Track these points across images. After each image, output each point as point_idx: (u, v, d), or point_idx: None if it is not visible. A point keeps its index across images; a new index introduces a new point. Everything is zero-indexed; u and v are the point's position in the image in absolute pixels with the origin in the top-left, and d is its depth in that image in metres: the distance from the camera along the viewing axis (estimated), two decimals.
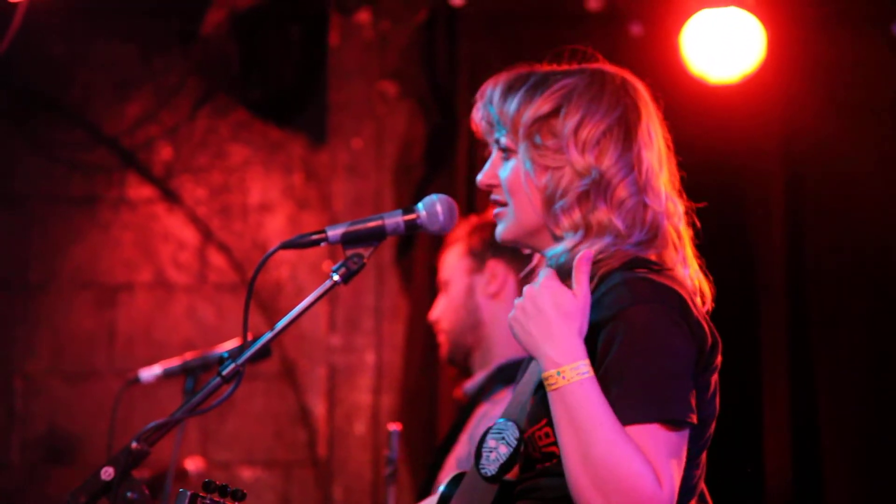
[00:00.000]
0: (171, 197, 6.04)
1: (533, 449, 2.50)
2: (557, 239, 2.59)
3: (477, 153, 5.65)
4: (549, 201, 2.57)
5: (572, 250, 2.54)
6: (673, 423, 2.38)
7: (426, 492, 3.81)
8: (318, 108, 5.90)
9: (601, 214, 2.55)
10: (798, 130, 5.34)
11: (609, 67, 2.66)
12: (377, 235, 2.57)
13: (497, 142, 2.65)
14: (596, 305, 2.46)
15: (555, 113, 2.58)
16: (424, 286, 5.49)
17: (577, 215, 2.56)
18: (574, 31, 5.52)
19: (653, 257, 2.57)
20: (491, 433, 2.53)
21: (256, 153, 6.02)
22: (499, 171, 2.64)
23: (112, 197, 6.06)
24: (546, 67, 2.66)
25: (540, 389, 2.47)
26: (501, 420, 2.53)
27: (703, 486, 2.57)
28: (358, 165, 5.84)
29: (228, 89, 5.94)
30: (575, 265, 2.47)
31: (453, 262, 4.06)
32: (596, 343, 2.44)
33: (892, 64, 5.23)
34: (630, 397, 2.38)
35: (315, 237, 2.57)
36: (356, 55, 5.85)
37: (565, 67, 2.66)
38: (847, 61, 5.25)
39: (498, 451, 2.51)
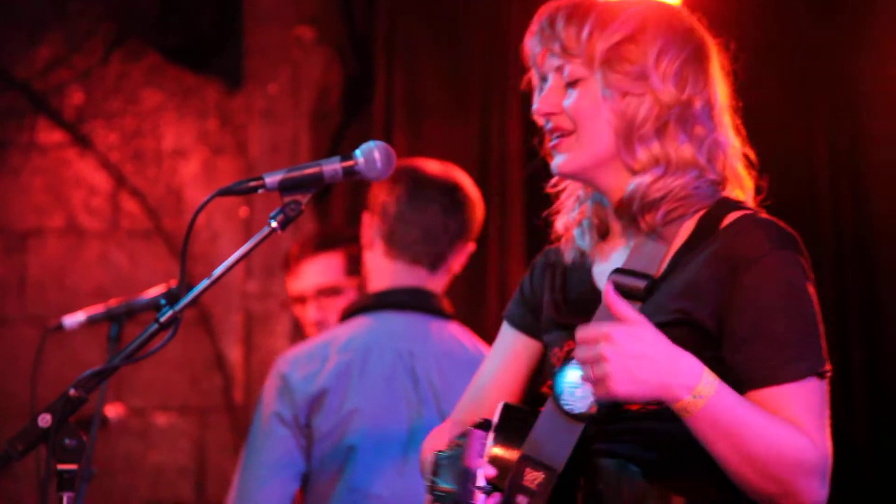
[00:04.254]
0: (82, 142, 5.96)
1: None
2: (631, 172, 2.49)
3: (395, 102, 5.65)
4: (626, 129, 2.47)
5: (653, 184, 2.46)
6: (822, 375, 2.36)
7: None
8: (234, 54, 5.85)
9: (684, 149, 2.47)
10: None
11: (669, 3, 2.58)
12: (315, 182, 2.55)
13: (559, 70, 2.54)
14: (722, 247, 2.39)
15: (632, 39, 2.48)
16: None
17: (656, 147, 2.47)
18: None
19: (735, 199, 2.51)
20: (571, 366, 2.40)
21: (170, 98, 5.96)
22: (563, 100, 2.53)
23: (22, 142, 5.97)
24: None
25: None
26: None
27: None
28: (274, 111, 5.81)
29: (142, 33, 5.87)
30: (607, 301, 2.33)
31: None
32: (722, 281, 2.36)
33: None
34: (781, 354, 2.33)
35: (252, 184, 2.55)
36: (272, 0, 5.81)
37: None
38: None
39: (585, 389, 2.37)
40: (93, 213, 5.95)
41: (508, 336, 2.74)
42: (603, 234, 2.61)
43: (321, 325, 4.75)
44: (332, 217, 5.66)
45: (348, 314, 3.94)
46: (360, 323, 3.88)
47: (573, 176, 2.56)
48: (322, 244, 4.70)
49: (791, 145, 5.11)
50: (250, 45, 5.81)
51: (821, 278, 2.47)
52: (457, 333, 3.96)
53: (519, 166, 5.54)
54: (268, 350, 5.74)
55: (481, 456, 2.41)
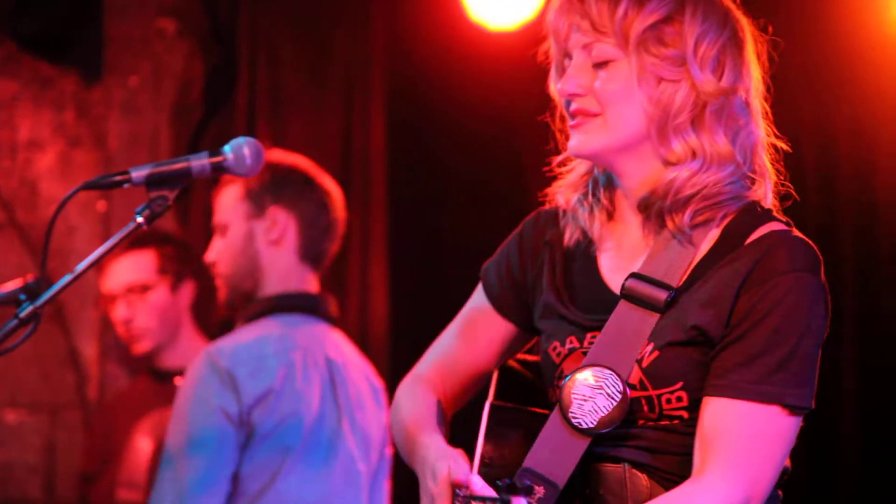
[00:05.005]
0: None
1: (650, 409, 2.34)
2: (663, 162, 2.39)
3: (258, 95, 5.61)
4: (661, 118, 2.36)
5: (690, 179, 2.35)
6: (792, 409, 2.27)
7: None
8: (93, 44, 5.75)
9: (721, 144, 2.37)
10: None
11: None
12: (182, 178, 2.53)
13: (586, 47, 2.40)
14: (745, 265, 2.31)
15: (668, 21, 2.37)
16: (200, 227, 5.43)
17: (692, 138, 2.36)
18: None
19: (761, 198, 2.42)
20: (583, 381, 2.33)
21: (26, 89, 5.83)
22: (591, 81, 2.40)
23: None
24: None
25: (668, 346, 2.32)
26: (599, 367, 2.32)
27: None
28: (134, 103, 5.72)
29: None
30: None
31: (230, 205, 3.99)
32: (738, 295, 2.29)
33: None
34: (750, 370, 2.26)
35: (118, 178, 2.52)
36: None
37: None
38: None
39: (595, 403, 2.31)
40: None
41: (483, 311, 2.63)
42: (609, 217, 2.51)
43: (128, 324, 4.69)
44: (192, 217, 5.61)
45: (259, 313, 3.88)
46: (282, 324, 3.84)
47: (592, 157, 2.44)
48: (133, 242, 4.64)
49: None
50: (110, 35, 5.71)
51: None
52: (344, 340, 4.00)
53: (382, 161, 5.55)
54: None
55: None
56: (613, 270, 2.46)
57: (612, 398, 2.31)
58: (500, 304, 2.61)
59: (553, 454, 2.33)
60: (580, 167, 2.55)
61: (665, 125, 2.37)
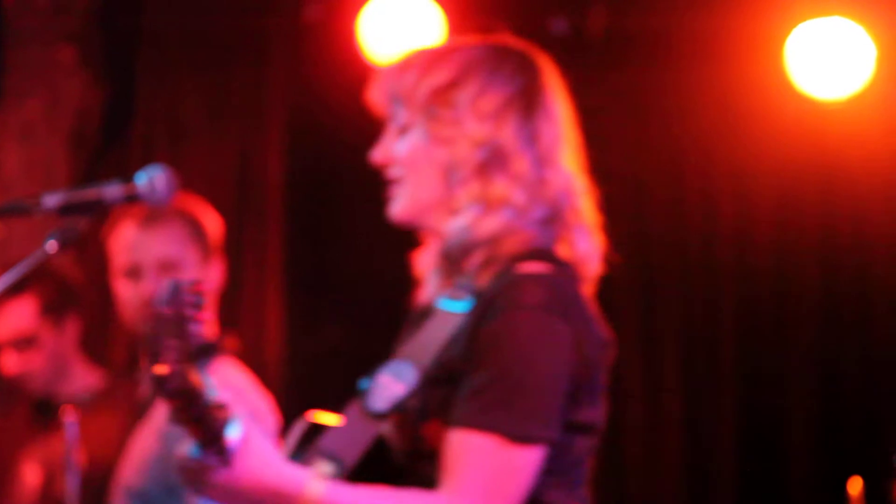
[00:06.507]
0: None
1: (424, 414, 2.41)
2: (453, 214, 2.47)
3: (155, 126, 5.63)
4: (446, 174, 2.46)
5: (472, 225, 2.44)
6: (515, 439, 2.32)
7: None
8: None
9: (500, 187, 2.44)
10: None
11: (512, 40, 2.57)
12: (95, 206, 2.58)
13: (393, 118, 2.53)
14: (491, 297, 2.37)
15: (454, 84, 2.48)
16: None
17: (475, 188, 2.44)
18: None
19: (553, 239, 2.47)
20: (387, 372, 2.44)
21: None
22: (393, 148, 2.52)
23: None
24: (448, 43, 2.58)
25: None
26: (400, 360, 2.44)
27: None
28: (31, 131, 5.69)
29: None
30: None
31: (180, 243, 4.06)
32: (475, 326, 2.36)
33: None
34: (473, 402, 2.32)
35: (29, 204, 2.56)
36: (32, 17, 5.70)
37: (468, 42, 2.55)
38: None
39: (392, 390, 2.41)
40: None
41: None
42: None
43: (17, 373, 4.60)
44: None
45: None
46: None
47: (407, 223, 2.54)
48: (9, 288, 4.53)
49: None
50: (8, 62, 5.69)
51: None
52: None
53: (278, 192, 5.60)
54: None
55: None
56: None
57: (409, 386, 2.41)
58: None
59: (345, 436, 2.44)
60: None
61: (451, 180, 2.47)
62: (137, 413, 4.06)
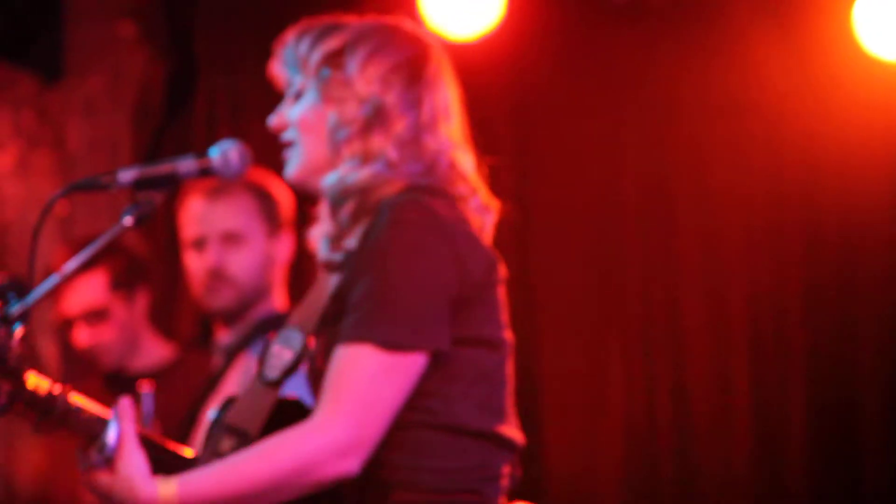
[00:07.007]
0: None
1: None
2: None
3: (217, 101, 5.64)
4: (332, 133, 2.61)
5: (345, 177, 2.57)
6: (385, 346, 2.42)
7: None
8: (53, 46, 5.75)
9: (375, 143, 2.58)
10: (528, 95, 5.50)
11: (406, 21, 2.72)
12: (170, 180, 2.59)
13: (289, 85, 2.69)
14: (365, 234, 2.52)
15: (345, 49, 2.63)
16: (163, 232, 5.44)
17: (356, 145, 2.59)
18: None
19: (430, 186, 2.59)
20: (277, 341, 2.62)
21: None
22: (288, 112, 2.68)
23: None
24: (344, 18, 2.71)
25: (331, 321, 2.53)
26: (289, 328, 2.62)
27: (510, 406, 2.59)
28: (94, 107, 5.72)
29: None
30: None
31: (247, 215, 4.07)
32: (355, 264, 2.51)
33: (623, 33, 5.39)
34: (351, 318, 2.44)
35: (105, 180, 2.57)
36: None
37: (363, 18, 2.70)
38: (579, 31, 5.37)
39: (282, 357, 2.60)
40: None
41: None
42: None
43: (89, 346, 4.62)
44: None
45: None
46: None
47: (298, 185, 2.69)
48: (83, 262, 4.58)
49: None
50: (70, 37, 5.72)
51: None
52: None
53: None
54: None
55: None
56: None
57: (295, 350, 2.60)
58: None
59: (250, 406, 2.61)
60: None
61: (338, 140, 2.61)
62: (209, 385, 4.09)
